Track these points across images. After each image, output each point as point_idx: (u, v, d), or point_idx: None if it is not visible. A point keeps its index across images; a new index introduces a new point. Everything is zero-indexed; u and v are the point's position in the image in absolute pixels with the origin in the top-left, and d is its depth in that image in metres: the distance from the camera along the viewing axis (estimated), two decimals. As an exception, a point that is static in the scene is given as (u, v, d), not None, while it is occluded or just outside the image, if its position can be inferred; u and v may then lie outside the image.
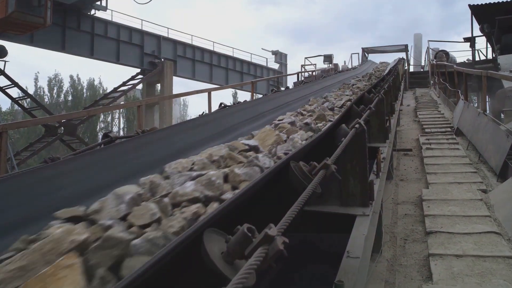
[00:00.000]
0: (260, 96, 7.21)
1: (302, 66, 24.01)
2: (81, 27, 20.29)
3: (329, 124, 3.07)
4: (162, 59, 23.44)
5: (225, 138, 3.46)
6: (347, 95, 7.18)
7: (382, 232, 3.19)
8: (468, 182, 4.67)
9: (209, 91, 7.47)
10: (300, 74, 19.71)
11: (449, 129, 7.77)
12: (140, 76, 23.34)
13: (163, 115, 23.21)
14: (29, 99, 21.60)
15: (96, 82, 40.73)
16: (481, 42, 18.43)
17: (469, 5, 16.90)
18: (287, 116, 4.50)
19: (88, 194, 2.05)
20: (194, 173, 2.29)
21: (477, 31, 17.98)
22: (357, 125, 2.49)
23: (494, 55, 16.93)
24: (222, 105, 4.67)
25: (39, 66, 60.10)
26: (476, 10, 16.96)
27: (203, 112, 4.39)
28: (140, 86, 25.88)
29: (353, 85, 9.60)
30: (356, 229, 2.23)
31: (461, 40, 19.52)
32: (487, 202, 4.04)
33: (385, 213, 3.98)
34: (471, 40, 18.17)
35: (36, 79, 39.04)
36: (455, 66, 11.31)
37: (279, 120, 4.16)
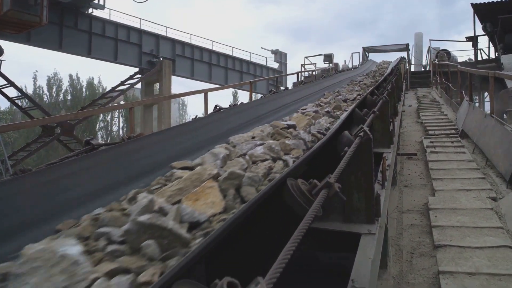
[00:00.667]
0: (260, 96, 7.02)
1: (302, 65, 23.74)
2: (79, 26, 20.04)
3: (330, 131, 2.83)
4: (161, 58, 23.20)
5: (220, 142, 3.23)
6: (356, 90, 7.96)
7: (388, 247, 2.95)
8: (476, 189, 4.43)
9: (205, 92, 7.23)
10: (300, 73, 19.42)
11: (453, 131, 7.53)
12: (138, 76, 23.11)
13: (162, 115, 23.00)
14: (26, 99, 21.32)
15: (95, 81, 40.48)
16: (484, 42, 18.15)
17: (472, 4, 16.64)
18: (309, 106, 5.24)
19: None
20: (258, 142, 2.92)
21: (479, 30, 17.73)
22: (361, 133, 2.25)
23: (497, 55, 16.68)
24: (217, 107, 4.44)
25: (39, 66, 59.72)
26: (478, 9, 16.70)
27: (196, 116, 4.16)
28: (139, 86, 25.64)
29: (360, 81, 10.32)
30: (361, 251, 1.99)
31: (463, 39, 19.25)
32: (498, 212, 3.80)
33: (389, 223, 3.75)
34: (473, 39, 17.90)
35: (35, 79, 38.78)
36: (458, 66, 11.06)
37: (303, 109, 4.84)
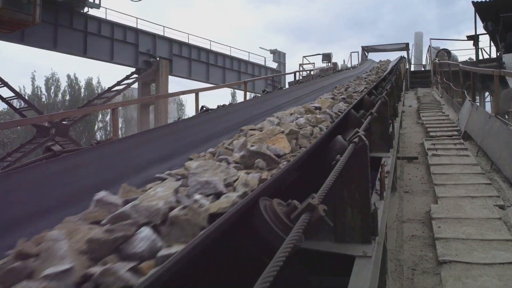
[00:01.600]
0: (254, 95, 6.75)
1: (300, 65, 23.42)
2: (74, 25, 19.77)
3: (319, 136, 2.53)
4: (158, 58, 22.91)
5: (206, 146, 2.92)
6: (363, 84, 8.50)
7: (387, 263, 2.64)
8: (482, 196, 4.11)
9: (196, 92, 6.92)
10: (298, 73, 19.10)
11: (455, 133, 7.22)
12: (135, 76, 22.82)
13: (159, 115, 22.72)
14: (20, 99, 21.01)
15: (94, 82, 40.23)
16: (485, 41, 17.79)
17: (473, 2, 16.32)
18: (325, 95, 6.01)
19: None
20: (297, 116, 3.67)
21: (480, 29, 17.42)
22: (356, 139, 1.95)
23: (498, 54, 16.36)
24: (204, 108, 4.14)
25: (38, 66, 59.43)
26: (479, 8, 16.39)
27: (179, 118, 3.85)
28: (136, 86, 25.36)
29: (365, 78, 11.07)
30: (355, 277, 1.69)
31: (464, 39, 18.94)
32: (507, 222, 3.50)
33: (388, 234, 3.44)
34: (474, 38, 17.58)
35: (33, 79, 38.49)
36: (460, 65, 10.75)
37: (318, 99, 5.48)
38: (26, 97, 36.26)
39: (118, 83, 22.95)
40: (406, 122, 9.01)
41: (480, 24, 17.16)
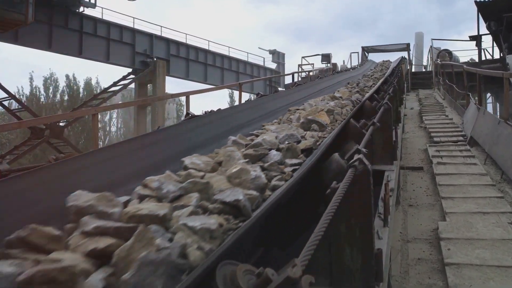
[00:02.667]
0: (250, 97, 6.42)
1: (299, 65, 23.04)
2: (69, 25, 19.42)
3: (311, 156, 2.18)
4: (155, 59, 22.55)
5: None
6: (370, 80, 9.44)
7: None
8: (494, 211, 3.74)
9: (187, 95, 6.55)
10: (298, 74, 18.73)
11: (461, 138, 6.84)
12: (131, 76, 22.47)
13: (155, 116, 22.39)
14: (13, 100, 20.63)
15: (93, 82, 39.85)
16: (487, 41, 17.41)
17: (475, 2, 15.94)
18: (342, 89, 6.84)
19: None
20: (328, 101, 4.72)
21: (483, 30, 17.04)
22: (356, 162, 1.58)
23: (502, 55, 15.97)
24: (189, 115, 3.78)
25: (37, 66, 58.87)
26: (482, 7, 16.00)
27: (159, 127, 3.49)
28: (133, 86, 25.02)
29: (371, 76, 11.84)
30: None
31: (464, 39, 18.56)
32: (524, 243, 3.13)
33: (392, 256, 3.07)
34: (477, 39, 17.19)
35: (31, 79, 38.09)
36: (465, 66, 10.37)
37: (338, 91, 6.33)
38: (25, 98, 36.10)
39: (115, 84, 22.62)
40: (408, 126, 8.65)
41: (482, 24, 16.80)
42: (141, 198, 1.54)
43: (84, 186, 1.31)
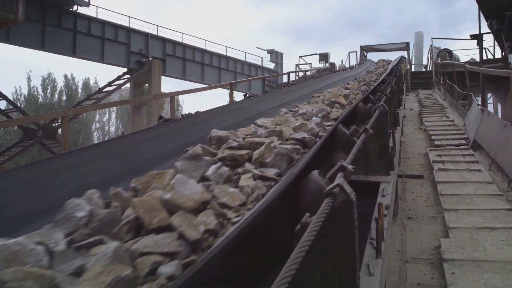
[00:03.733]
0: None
1: (296, 65, 22.62)
2: (62, 24, 19.11)
3: (285, 176, 1.80)
4: (150, 58, 22.19)
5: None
6: (374, 76, 10.43)
7: None
8: (504, 227, 3.34)
9: (172, 96, 6.14)
10: (295, 73, 18.33)
11: (463, 141, 6.45)
12: (127, 76, 22.10)
13: (150, 115, 22.00)
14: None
15: (91, 82, 39.53)
16: (488, 40, 16.99)
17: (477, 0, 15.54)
18: (351, 83, 7.92)
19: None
20: (343, 90, 6.15)
21: (484, 28, 16.62)
22: (336, 189, 1.19)
23: (504, 54, 15.56)
24: (163, 118, 3.40)
25: (37, 66, 58.35)
26: (483, 5, 15.58)
27: (123, 132, 3.13)
28: (128, 86, 24.65)
29: (374, 71, 12.92)
30: None
31: (467, 38, 18.13)
32: (540, 266, 2.73)
33: (388, 279, 2.69)
34: (478, 38, 16.77)
35: (28, 79, 37.74)
36: (467, 66, 9.96)
37: (347, 83, 7.52)
38: (23, 98, 35.84)
39: (109, 84, 22.28)
40: (408, 128, 8.26)
41: (484, 23, 16.38)
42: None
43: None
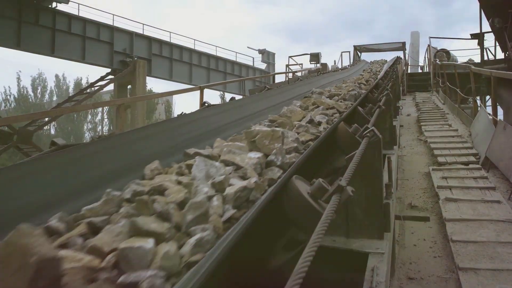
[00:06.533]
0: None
1: (286, 66, 21.57)
2: (40, 22, 18.02)
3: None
4: (135, 58, 21.12)
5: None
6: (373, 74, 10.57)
7: None
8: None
9: (144, 99, 5.16)
10: (285, 75, 17.30)
11: (472, 158, 5.42)
12: (110, 77, 21.01)
13: (134, 117, 20.87)
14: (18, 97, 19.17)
15: (83, 82, 38.63)
16: (489, 40, 16.05)
17: (478, -4, 14.56)
18: (351, 80, 8.71)
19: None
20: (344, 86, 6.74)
21: (485, 27, 15.65)
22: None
23: (506, 54, 14.59)
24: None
25: (35, 66, 56.88)
26: (485, 3, 14.62)
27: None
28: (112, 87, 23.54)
29: (370, 70, 12.70)
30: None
31: (467, 37, 17.16)
32: None
33: None
34: (479, 37, 15.79)
35: (18, 79, 36.70)
36: (472, 67, 8.95)
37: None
38: (12, 98, 34.79)
39: (92, 85, 21.22)
40: (405, 139, 7.24)
41: (485, 22, 15.40)
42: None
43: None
